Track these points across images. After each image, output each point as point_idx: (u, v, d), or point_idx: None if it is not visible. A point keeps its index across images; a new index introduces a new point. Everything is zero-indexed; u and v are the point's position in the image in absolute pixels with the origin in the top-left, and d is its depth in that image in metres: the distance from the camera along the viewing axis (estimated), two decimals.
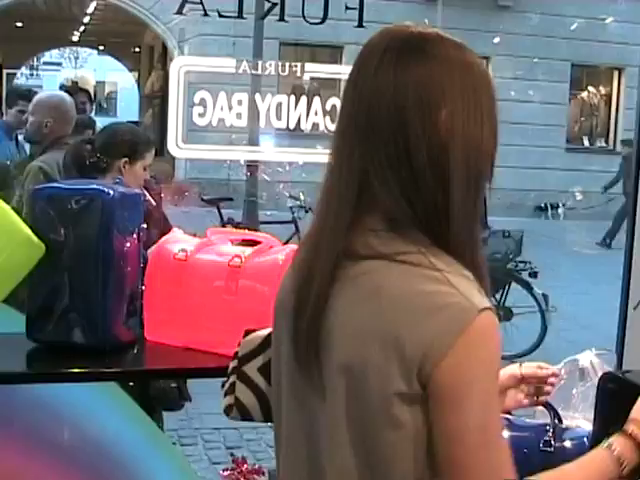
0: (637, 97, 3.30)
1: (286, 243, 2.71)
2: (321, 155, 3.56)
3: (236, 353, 1.99)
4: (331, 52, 18.07)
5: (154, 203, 3.62)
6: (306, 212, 10.01)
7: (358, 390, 1.49)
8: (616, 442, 1.63)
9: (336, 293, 1.53)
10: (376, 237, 1.52)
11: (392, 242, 1.51)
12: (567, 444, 2.24)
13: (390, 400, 1.46)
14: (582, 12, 18.93)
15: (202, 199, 11.61)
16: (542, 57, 18.98)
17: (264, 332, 1.91)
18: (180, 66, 3.30)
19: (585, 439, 2.76)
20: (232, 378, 1.99)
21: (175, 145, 3.27)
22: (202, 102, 3.30)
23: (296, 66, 3.25)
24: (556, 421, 2.27)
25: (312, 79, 3.36)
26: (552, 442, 2.22)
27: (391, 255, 1.49)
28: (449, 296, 1.45)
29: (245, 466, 2.98)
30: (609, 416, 2.54)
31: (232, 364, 1.99)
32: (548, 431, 2.24)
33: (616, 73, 21.30)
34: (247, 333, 1.99)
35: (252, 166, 12.20)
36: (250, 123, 3.33)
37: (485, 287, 1.52)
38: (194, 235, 2.67)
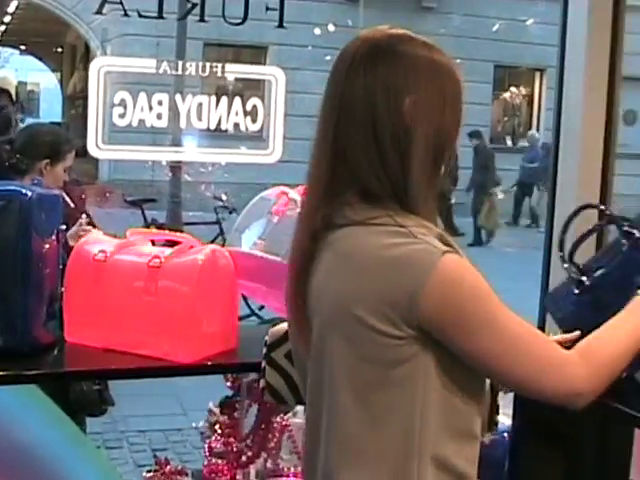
0: (555, 97, 3.36)
1: (211, 243, 2.71)
2: (243, 155, 3.57)
3: (265, 341, 2.30)
4: (255, 53, 18.06)
5: (72, 205, 3.59)
6: (230, 213, 9.88)
7: (352, 346, 1.69)
8: None
9: (318, 261, 1.76)
10: (350, 208, 1.73)
11: (363, 211, 1.72)
12: (486, 440, 2.27)
13: (383, 350, 1.66)
14: (504, 13, 19.17)
15: (125, 200, 11.50)
16: (465, 58, 19.09)
17: None
18: (100, 66, 3.27)
19: (505, 434, 2.81)
20: (263, 363, 2.30)
21: (95, 146, 3.24)
22: (122, 102, 3.28)
23: (217, 66, 3.24)
24: None
25: (236, 80, 3.35)
26: None
27: (362, 221, 1.71)
28: (413, 244, 1.66)
29: (168, 467, 2.97)
30: (528, 411, 2.59)
31: (264, 350, 2.30)
32: None
33: (537, 74, 21.60)
34: (275, 323, 2.31)
35: (175, 167, 12.14)
36: (171, 124, 3.32)
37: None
38: (114, 236, 2.66)
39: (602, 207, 2.67)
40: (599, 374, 1.74)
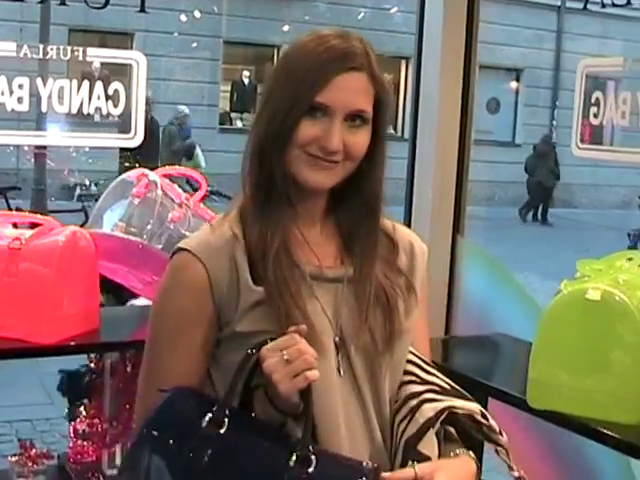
0: (412, 85, 3.45)
1: None
2: (105, 139, 3.56)
3: None
4: (121, 39, 17.81)
5: None
6: (95, 200, 9.79)
7: None
8: None
9: None
10: None
11: None
12: None
13: None
14: (368, 2, 19.38)
15: None
16: None
17: None
18: None
19: None
20: None
21: None
22: None
23: (78, 50, 3.24)
24: None
25: (102, 65, 3.35)
26: None
27: None
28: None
29: (33, 451, 2.97)
30: None
31: None
32: None
33: (403, 62, 21.89)
34: None
35: (39, 154, 11.95)
36: (32, 108, 3.30)
37: None
38: None
39: None
40: None
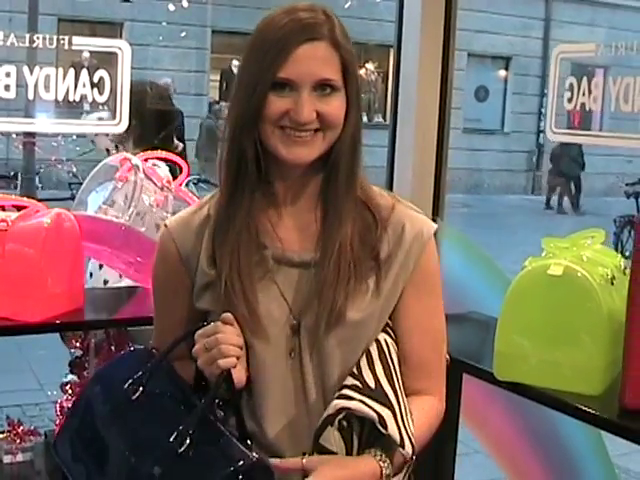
0: (392, 72, 3.49)
1: None
2: (92, 126, 3.62)
3: None
4: (110, 29, 17.84)
5: None
6: None
7: None
8: None
9: None
10: None
11: None
12: None
13: None
14: None
15: None
16: None
17: None
18: None
19: None
20: None
21: None
22: None
23: (64, 39, 3.29)
24: None
25: (91, 54, 3.40)
26: None
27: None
28: None
29: (21, 428, 3.04)
30: None
31: None
32: None
33: (392, 50, 21.91)
34: None
35: (27, 142, 11.97)
36: (19, 96, 3.36)
37: None
38: None
39: None
40: None
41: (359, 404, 1.71)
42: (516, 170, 23.04)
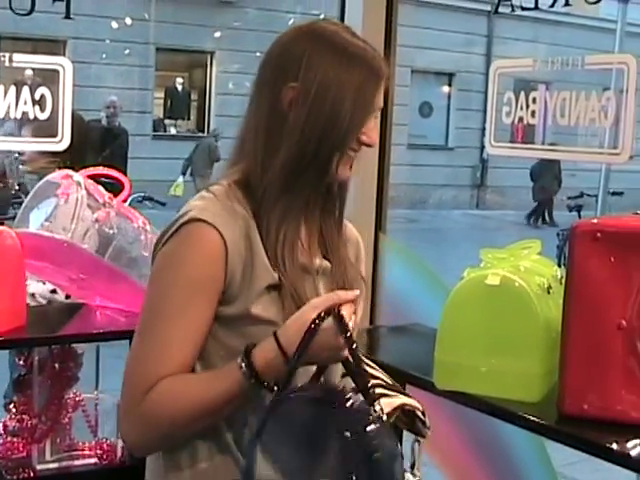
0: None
1: None
2: (33, 144, 3.60)
3: None
4: (53, 46, 17.74)
5: None
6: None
7: None
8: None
9: None
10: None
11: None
12: None
13: None
14: (297, 7, 19.48)
15: None
16: (263, 51, 19.34)
17: None
18: None
19: None
20: None
21: None
22: None
23: (4, 56, 3.28)
24: None
25: (34, 72, 3.39)
26: None
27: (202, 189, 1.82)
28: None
29: None
30: None
31: None
32: None
33: None
34: None
35: None
36: None
37: None
38: None
39: None
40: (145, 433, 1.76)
41: (405, 398, 1.92)
42: (461, 185, 23.24)
